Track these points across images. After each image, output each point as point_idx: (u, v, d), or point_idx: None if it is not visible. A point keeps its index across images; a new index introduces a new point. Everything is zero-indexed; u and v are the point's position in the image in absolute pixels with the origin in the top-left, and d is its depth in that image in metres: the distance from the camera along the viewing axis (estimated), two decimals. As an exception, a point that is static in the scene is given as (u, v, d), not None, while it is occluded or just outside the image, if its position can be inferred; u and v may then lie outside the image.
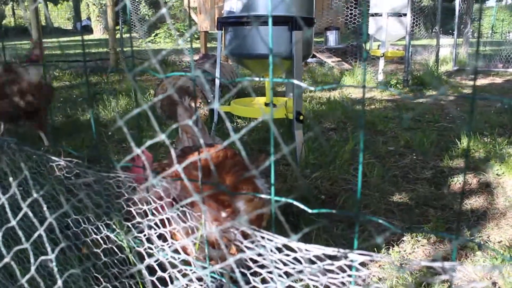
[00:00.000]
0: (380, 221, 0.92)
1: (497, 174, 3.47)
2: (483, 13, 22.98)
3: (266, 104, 3.80)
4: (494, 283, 2.10)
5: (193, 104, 4.70)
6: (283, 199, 1.08)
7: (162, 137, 0.83)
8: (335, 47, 10.26)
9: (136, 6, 20.53)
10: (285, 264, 0.96)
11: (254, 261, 1.01)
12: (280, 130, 4.14)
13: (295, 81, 1.04)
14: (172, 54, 12.23)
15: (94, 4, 29.77)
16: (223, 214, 1.57)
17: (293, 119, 3.38)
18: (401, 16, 7.58)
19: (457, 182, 3.34)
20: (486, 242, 2.48)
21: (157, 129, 0.91)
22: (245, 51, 3.48)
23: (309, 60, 9.42)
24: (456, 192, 3.18)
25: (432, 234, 2.55)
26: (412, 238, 2.48)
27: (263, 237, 0.97)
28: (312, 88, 0.95)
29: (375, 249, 2.34)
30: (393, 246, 2.40)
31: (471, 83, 8.47)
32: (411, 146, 4.12)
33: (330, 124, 4.94)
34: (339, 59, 9.58)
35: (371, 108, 5.80)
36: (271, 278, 0.99)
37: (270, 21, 0.94)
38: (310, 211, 1.00)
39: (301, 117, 3.38)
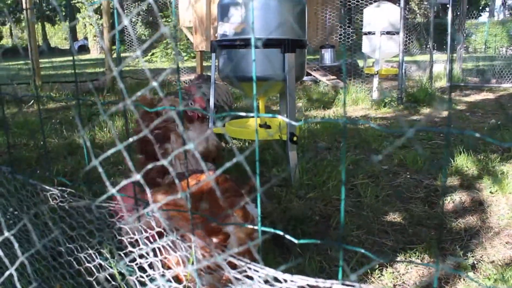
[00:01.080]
0: (363, 251, 0.94)
1: (490, 192, 3.49)
2: (476, 29, 23.25)
3: (261, 126, 3.84)
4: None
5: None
6: (271, 230, 1.10)
7: (137, 177, 0.85)
8: (330, 65, 10.36)
9: (132, 26, 20.74)
10: (271, 295, 0.98)
11: (242, 292, 1.03)
12: (274, 151, 4.17)
13: (280, 117, 1.07)
14: (169, 74, 12.31)
15: (91, 24, 30.03)
16: (214, 241, 1.59)
17: (287, 140, 3.41)
18: (394, 34, 7.68)
19: (450, 201, 3.36)
20: (479, 262, 2.49)
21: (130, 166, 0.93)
22: (238, 73, 3.53)
23: (304, 78, 9.50)
24: (449, 211, 3.20)
25: (425, 255, 2.57)
26: (405, 258, 2.49)
27: (249, 268, 0.99)
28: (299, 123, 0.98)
29: (368, 270, 2.35)
30: (387, 267, 2.42)
31: (466, 99, 8.55)
32: (404, 164, 4.15)
33: (325, 143, 4.97)
34: (334, 77, 9.66)
35: (365, 127, 5.85)
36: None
37: (253, 43, 0.98)
38: (296, 241, 1.02)
39: (295, 138, 3.41)
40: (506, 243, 2.71)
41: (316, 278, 0.94)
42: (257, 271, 0.96)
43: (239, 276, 1.00)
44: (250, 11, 3.42)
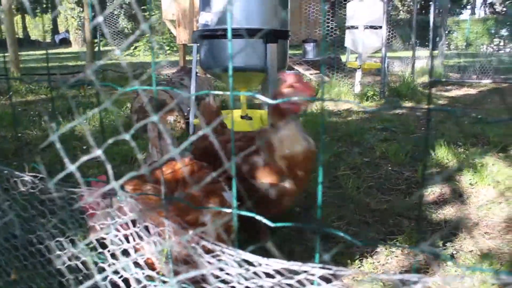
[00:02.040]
0: (341, 234, 0.92)
1: (470, 184, 3.52)
2: (458, 26, 23.51)
3: (242, 117, 3.80)
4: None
5: (167, 118, 4.66)
6: (245, 213, 1.07)
7: (98, 152, 0.81)
8: (313, 59, 10.35)
9: (115, 19, 20.49)
10: (246, 279, 0.95)
11: (217, 277, 1.00)
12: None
13: (259, 96, 1.04)
14: (150, 67, 12.18)
15: (73, 17, 29.60)
16: (189, 229, 1.56)
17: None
18: (376, 28, 7.69)
19: (431, 192, 3.37)
20: (458, 252, 2.50)
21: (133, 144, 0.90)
22: (220, 64, 3.48)
23: (287, 72, 9.50)
24: (430, 202, 3.21)
25: (406, 244, 2.57)
26: (386, 249, 2.49)
27: (223, 252, 0.95)
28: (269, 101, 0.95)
29: (349, 261, 2.34)
30: (367, 257, 2.41)
31: (447, 94, 8.63)
32: (386, 157, 4.15)
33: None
34: (317, 71, 9.67)
35: (348, 120, 5.85)
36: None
37: (229, 34, 0.94)
38: (272, 224, 1.00)
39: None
40: (485, 233, 2.73)
41: (291, 262, 0.91)
42: (232, 255, 0.93)
43: (212, 260, 0.97)
44: (232, 1, 3.38)
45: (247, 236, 2.13)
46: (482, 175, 3.57)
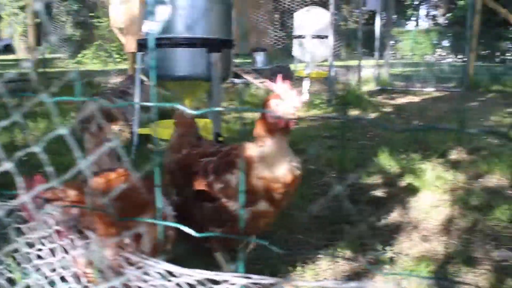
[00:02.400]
0: (262, 242, 0.93)
1: (410, 189, 3.63)
2: (403, 36, 24.39)
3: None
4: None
5: (108, 128, 4.54)
6: (172, 224, 1.06)
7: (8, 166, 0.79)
8: (262, 68, 10.44)
9: (62, 26, 19.91)
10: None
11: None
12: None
13: (180, 107, 1.03)
14: (100, 75, 11.95)
15: (16, 23, 28.54)
16: (126, 241, 1.53)
17: (213, 140, 3.38)
18: (323, 38, 7.86)
19: (374, 198, 3.46)
20: (397, 255, 2.57)
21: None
22: (164, 73, 3.45)
23: (236, 81, 9.53)
24: (371, 207, 3.29)
25: (347, 250, 2.62)
26: (328, 255, 2.53)
27: (146, 263, 0.94)
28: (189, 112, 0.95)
29: (291, 268, 2.36)
30: (309, 264, 2.44)
31: (392, 102, 8.90)
32: (331, 164, 4.23)
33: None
34: (266, 79, 9.75)
35: (294, 128, 5.92)
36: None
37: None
38: (196, 235, 0.99)
39: (221, 138, 3.38)
40: (423, 236, 2.82)
41: (215, 272, 0.91)
42: (153, 266, 0.92)
43: (135, 272, 0.95)
44: (176, 10, 3.37)
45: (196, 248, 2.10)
46: (422, 180, 3.70)
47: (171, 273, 0.92)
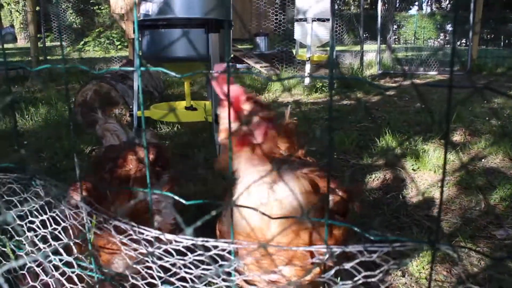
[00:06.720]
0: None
1: (413, 169, 3.61)
2: (406, 21, 24.19)
3: (187, 108, 3.74)
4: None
5: (113, 111, 4.53)
6: (160, 192, 1.03)
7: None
8: (264, 53, 10.36)
9: (62, 13, 19.79)
10: (159, 258, 0.92)
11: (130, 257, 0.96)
12: (203, 134, 4.09)
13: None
14: (101, 62, 11.91)
15: (17, 11, 28.42)
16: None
17: (212, 122, 3.35)
18: (324, 21, 7.77)
19: (375, 178, 3.44)
20: (401, 234, 2.56)
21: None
22: (162, 54, 3.41)
23: (238, 65, 9.46)
24: (374, 188, 3.27)
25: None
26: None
27: (134, 230, 0.92)
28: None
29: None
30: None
31: (394, 85, 8.83)
32: (333, 145, 4.20)
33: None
34: (268, 64, 9.68)
35: (296, 111, 5.89)
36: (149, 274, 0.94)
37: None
38: (185, 203, 0.97)
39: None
40: (425, 215, 2.80)
41: (201, 238, 0.89)
42: (142, 233, 0.90)
43: (125, 240, 0.93)
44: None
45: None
46: (424, 161, 3.67)
47: (160, 240, 0.89)
